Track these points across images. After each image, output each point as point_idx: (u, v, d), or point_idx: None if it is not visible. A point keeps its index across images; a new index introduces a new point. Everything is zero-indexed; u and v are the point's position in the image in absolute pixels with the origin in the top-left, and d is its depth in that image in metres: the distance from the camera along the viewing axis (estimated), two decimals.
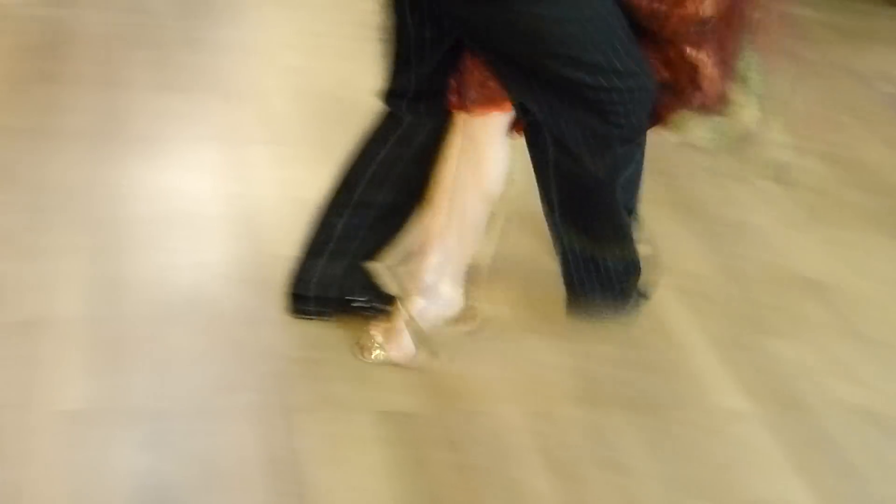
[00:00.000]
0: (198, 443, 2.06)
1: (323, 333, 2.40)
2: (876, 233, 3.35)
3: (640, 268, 2.50)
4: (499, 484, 2.12)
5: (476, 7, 2.05)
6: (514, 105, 2.24)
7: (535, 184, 2.36)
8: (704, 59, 2.20)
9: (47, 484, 1.92)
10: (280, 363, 2.29)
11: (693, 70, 2.21)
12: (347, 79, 3.58)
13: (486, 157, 2.31)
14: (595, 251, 2.40)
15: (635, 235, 2.45)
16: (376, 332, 2.38)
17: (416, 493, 2.05)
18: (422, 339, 2.39)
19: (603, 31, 2.08)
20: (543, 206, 2.38)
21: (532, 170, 2.35)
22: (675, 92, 2.25)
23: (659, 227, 3.06)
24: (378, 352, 2.36)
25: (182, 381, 2.20)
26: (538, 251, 2.85)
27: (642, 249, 2.47)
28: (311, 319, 2.42)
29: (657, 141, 3.38)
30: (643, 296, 2.58)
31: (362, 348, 2.37)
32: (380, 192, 2.36)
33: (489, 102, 2.25)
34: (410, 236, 2.45)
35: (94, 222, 2.65)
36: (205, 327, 2.35)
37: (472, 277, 2.50)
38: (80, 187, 2.79)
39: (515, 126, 2.32)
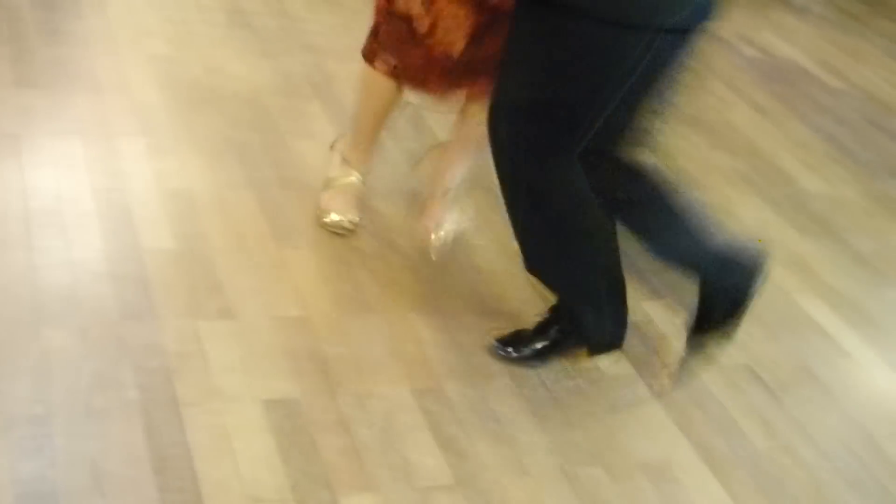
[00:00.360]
0: (83, 445, 2.01)
1: (204, 326, 2.37)
2: (744, 192, 3.45)
3: None
4: (391, 464, 2.13)
5: None
6: None
7: None
8: None
9: None
10: (163, 358, 2.25)
11: None
12: (215, 65, 3.52)
13: None
14: None
15: None
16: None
17: (309, 479, 2.04)
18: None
19: None
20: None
21: None
22: None
23: None
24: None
25: (62, 384, 2.14)
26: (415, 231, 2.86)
27: None
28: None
29: None
30: None
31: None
32: None
33: None
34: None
35: None
36: (82, 326, 2.29)
37: None
38: None
39: None
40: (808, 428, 2.45)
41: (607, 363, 2.53)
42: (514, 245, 2.71)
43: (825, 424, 2.48)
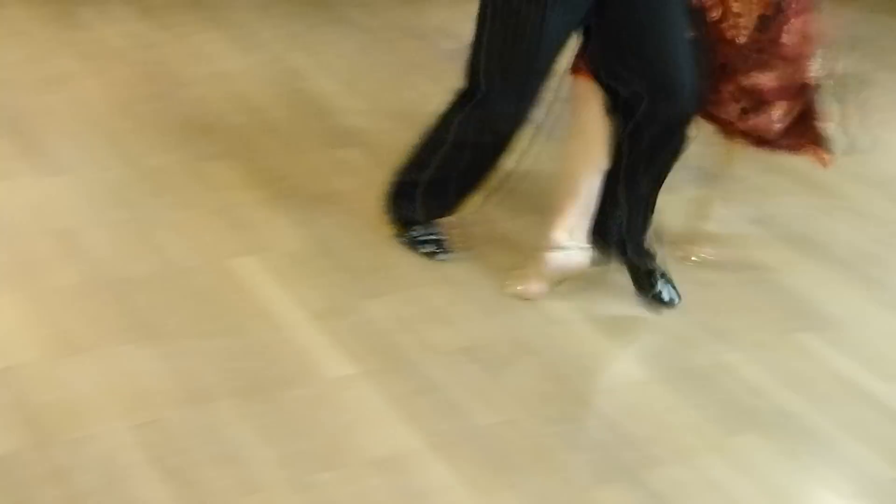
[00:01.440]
0: None
1: None
2: None
3: None
4: None
5: None
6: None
7: None
8: None
9: None
10: None
11: None
12: None
13: None
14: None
15: None
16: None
17: None
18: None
19: None
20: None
21: None
22: None
23: (245, 212, 3.09)
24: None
25: None
26: (130, 261, 2.80)
27: None
28: None
29: (235, 124, 3.39)
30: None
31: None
32: None
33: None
34: None
35: None
36: None
37: None
38: None
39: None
40: (526, 398, 2.53)
41: (329, 366, 2.54)
42: (228, 264, 2.70)
43: (542, 392, 2.57)
